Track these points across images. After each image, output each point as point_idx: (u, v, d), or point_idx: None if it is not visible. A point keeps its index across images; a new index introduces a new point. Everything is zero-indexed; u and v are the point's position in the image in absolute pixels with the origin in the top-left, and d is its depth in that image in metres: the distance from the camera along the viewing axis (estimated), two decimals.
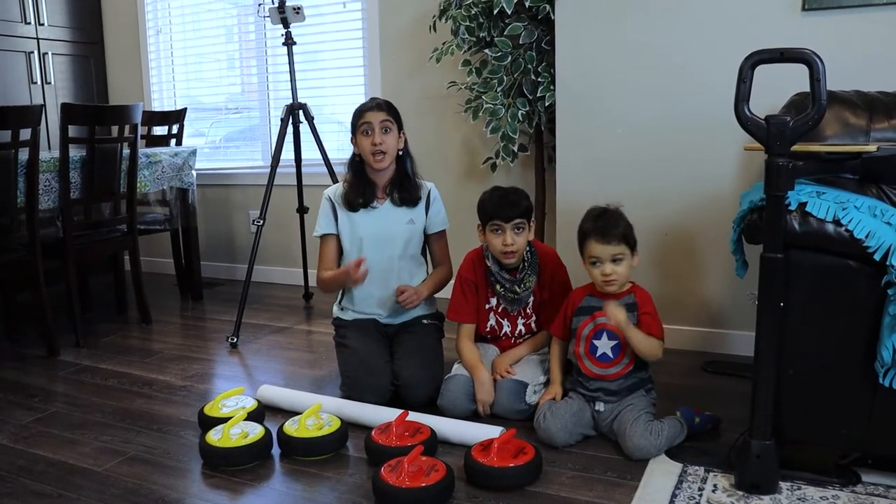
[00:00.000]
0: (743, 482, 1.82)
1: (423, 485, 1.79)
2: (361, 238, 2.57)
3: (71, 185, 3.17)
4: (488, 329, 2.52)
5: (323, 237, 2.62)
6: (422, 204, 2.61)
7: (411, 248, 2.61)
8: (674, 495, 1.81)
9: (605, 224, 2.12)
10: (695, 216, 2.82)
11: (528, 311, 2.48)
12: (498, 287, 2.43)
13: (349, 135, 2.59)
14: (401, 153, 2.57)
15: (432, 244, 2.67)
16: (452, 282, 2.59)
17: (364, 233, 2.57)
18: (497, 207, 2.34)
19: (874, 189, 2.13)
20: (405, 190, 2.58)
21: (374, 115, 2.50)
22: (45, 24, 4.46)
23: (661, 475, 1.92)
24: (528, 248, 2.42)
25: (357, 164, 2.58)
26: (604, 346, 2.16)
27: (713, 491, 1.83)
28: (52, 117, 4.35)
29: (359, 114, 2.53)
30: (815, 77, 1.64)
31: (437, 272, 2.67)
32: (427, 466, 1.85)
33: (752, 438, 1.79)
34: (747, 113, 1.71)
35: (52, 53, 4.53)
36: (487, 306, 2.50)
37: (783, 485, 1.83)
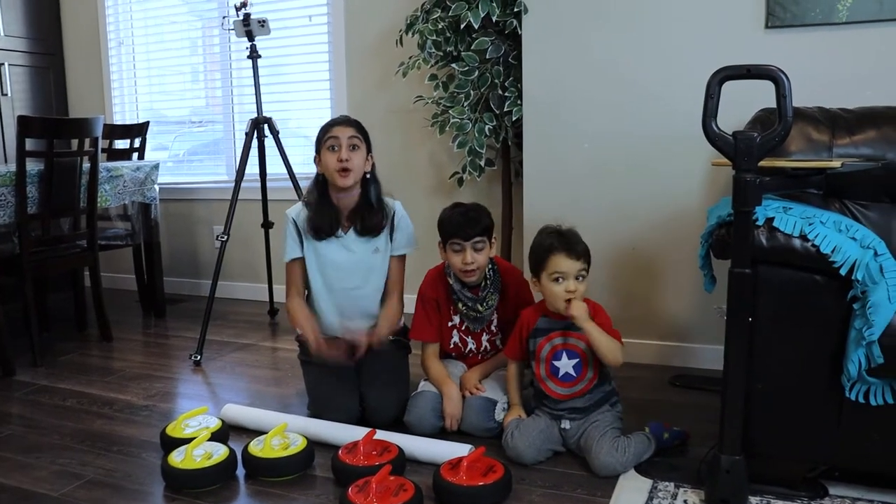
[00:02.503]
0: (713, 497, 1.81)
1: None
2: (326, 267, 2.48)
3: (28, 199, 3.09)
4: (452, 346, 2.49)
5: (291, 261, 2.52)
6: (385, 230, 2.49)
7: (376, 279, 2.50)
8: None
9: (570, 240, 2.11)
10: (661, 230, 2.83)
11: (492, 328, 2.46)
12: (460, 305, 2.40)
13: (314, 153, 2.47)
14: (367, 176, 2.46)
15: (389, 268, 2.53)
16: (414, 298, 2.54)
17: (328, 262, 2.47)
18: (457, 226, 2.31)
19: (837, 204, 2.16)
20: (368, 219, 2.46)
21: (342, 129, 2.40)
22: (2, 34, 4.37)
23: (631, 491, 1.91)
24: (490, 266, 2.40)
25: (321, 185, 2.46)
26: (565, 366, 2.14)
27: None
28: (9, 130, 4.25)
29: (326, 128, 2.43)
30: (782, 93, 1.65)
31: (389, 307, 2.49)
32: (395, 486, 1.82)
33: (721, 453, 1.78)
34: (715, 129, 1.72)
35: (9, 64, 4.43)
36: (451, 324, 2.47)
37: (752, 499, 1.83)
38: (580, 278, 2.09)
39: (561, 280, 2.09)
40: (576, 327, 2.10)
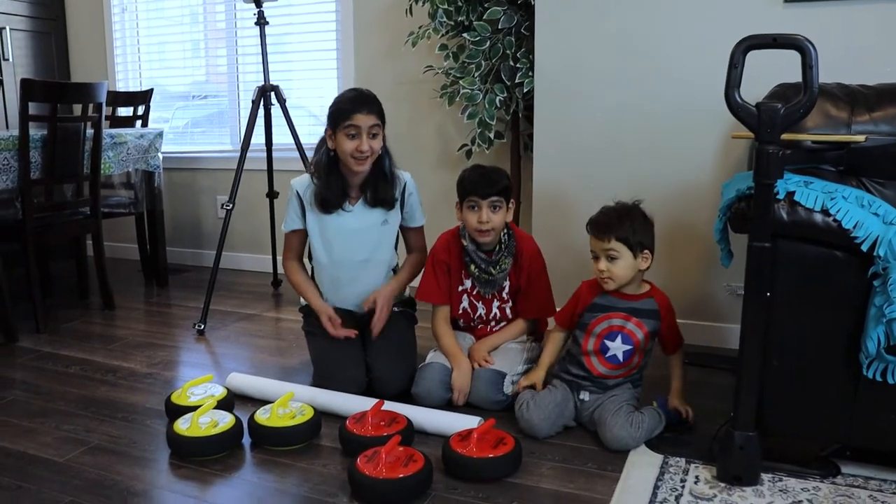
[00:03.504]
0: (725, 474, 1.80)
1: (402, 476, 1.74)
2: (331, 240, 2.45)
3: (31, 164, 3.04)
4: (461, 312, 2.47)
5: (290, 232, 2.51)
6: (397, 204, 2.47)
7: (383, 250, 2.49)
8: (656, 487, 1.79)
9: (602, 218, 2.10)
10: (673, 206, 2.80)
11: (503, 295, 2.44)
12: (472, 268, 2.38)
13: (322, 122, 2.41)
14: (380, 150, 2.40)
15: (408, 236, 2.57)
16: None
17: (334, 233, 2.44)
18: (475, 184, 2.30)
19: (854, 181, 2.12)
20: (380, 190, 2.43)
21: (363, 118, 2.29)
22: None
23: (642, 466, 1.90)
24: (506, 231, 2.38)
25: (332, 160, 2.40)
26: (616, 348, 2.11)
27: (695, 482, 1.81)
28: (10, 95, 4.20)
29: (345, 113, 2.30)
30: (808, 64, 1.61)
31: (410, 261, 2.57)
32: (405, 457, 1.80)
33: (735, 429, 1.77)
34: (738, 99, 1.68)
35: (11, 28, 4.37)
36: (461, 288, 2.45)
37: (764, 476, 1.82)
38: (612, 259, 2.07)
39: (596, 258, 2.10)
40: (640, 314, 2.11)
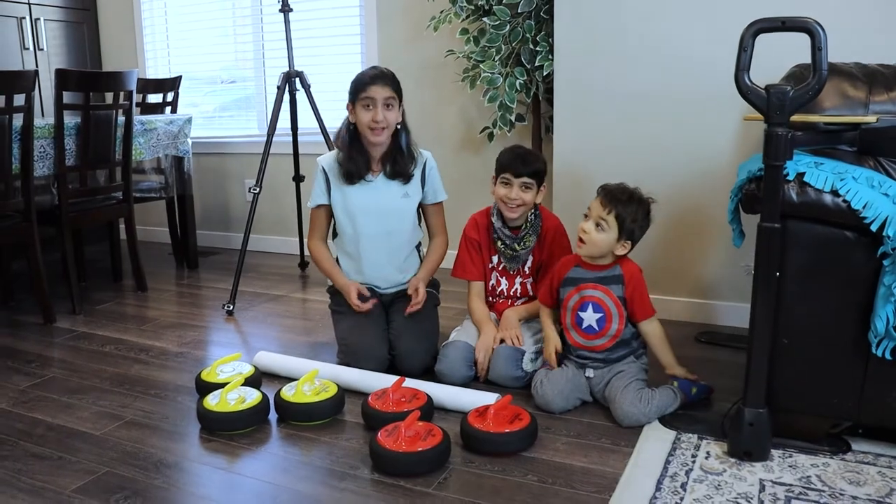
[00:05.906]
0: (736, 449, 1.84)
1: (420, 449, 1.81)
2: (355, 212, 2.53)
3: (66, 151, 3.15)
4: (489, 288, 2.58)
5: (316, 207, 2.61)
6: (417, 177, 2.56)
7: (406, 223, 2.57)
8: (667, 462, 1.84)
9: (615, 190, 2.16)
10: (691, 187, 2.82)
11: (525, 269, 2.53)
12: (499, 244, 2.49)
13: (346, 100, 2.50)
14: (398, 127, 2.51)
15: (429, 216, 2.65)
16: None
17: (357, 206, 2.53)
18: (510, 162, 2.41)
19: (871, 161, 2.13)
20: (399, 163, 2.52)
21: (379, 90, 2.41)
22: None
23: (654, 442, 1.95)
24: (533, 211, 2.47)
25: (352, 132, 2.51)
26: (589, 318, 2.17)
27: (706, 458, 1.85)
28: (45, 84, 4.31)
29: (362, 85, 2.42)
30: (817, 46, 1.63)
31: (434, 249, 2.64)
32: (424, 431, 1.87)
33: (745, 406, 1.81)
34: (748, 82, 1.71)
35: (45, 19, 4.48)
36: (490, 265, 2.56)
37: (775, 452, 1.86)
38: (599, 227, 2.12)
39: (586, 218, 2.16)
40: (606, 281, 2.15)
